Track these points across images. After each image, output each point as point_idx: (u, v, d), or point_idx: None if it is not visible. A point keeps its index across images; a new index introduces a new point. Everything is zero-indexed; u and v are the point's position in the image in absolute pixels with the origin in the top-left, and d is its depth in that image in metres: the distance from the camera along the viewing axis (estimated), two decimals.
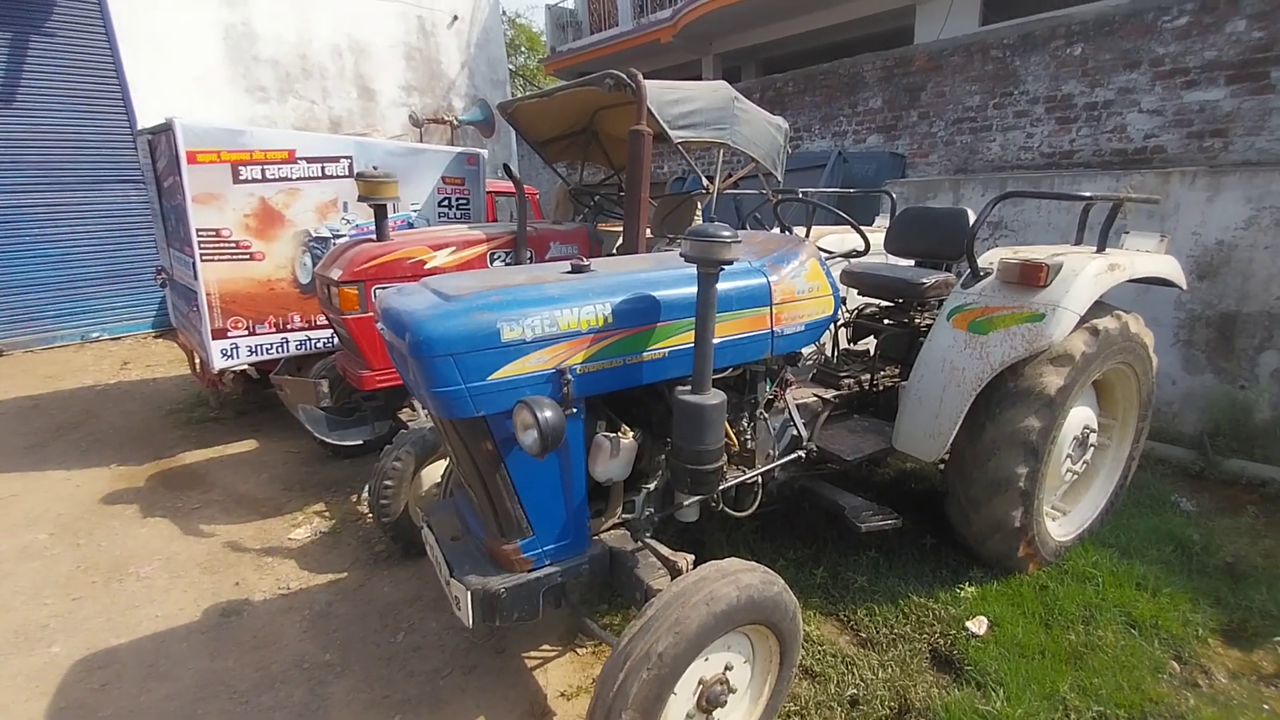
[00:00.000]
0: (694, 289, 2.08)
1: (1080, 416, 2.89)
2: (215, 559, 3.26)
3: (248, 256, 3.95)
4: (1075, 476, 3.07)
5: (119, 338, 7.79)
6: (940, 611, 2.67)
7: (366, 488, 3.20)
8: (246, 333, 4.03)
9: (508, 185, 7.10)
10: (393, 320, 1.87)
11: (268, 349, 4.11)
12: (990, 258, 2.78)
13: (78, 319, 7.52)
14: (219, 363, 3.96)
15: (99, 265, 7.52)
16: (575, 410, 1.95)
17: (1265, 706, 2.26)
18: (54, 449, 4.62)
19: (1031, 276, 2.50)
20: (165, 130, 3.82)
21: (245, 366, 4.13)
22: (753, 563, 1.95)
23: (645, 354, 2.06)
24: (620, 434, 2.10)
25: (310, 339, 4.25)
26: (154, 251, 4.82)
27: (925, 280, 3.05)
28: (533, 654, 2.59)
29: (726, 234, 1.82)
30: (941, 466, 2.96)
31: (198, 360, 4.51)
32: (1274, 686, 2.35)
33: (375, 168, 3.37)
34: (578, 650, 2.60)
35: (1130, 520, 3.31)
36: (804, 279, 2.43)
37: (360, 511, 3.68)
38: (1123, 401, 3.15)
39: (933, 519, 3.12)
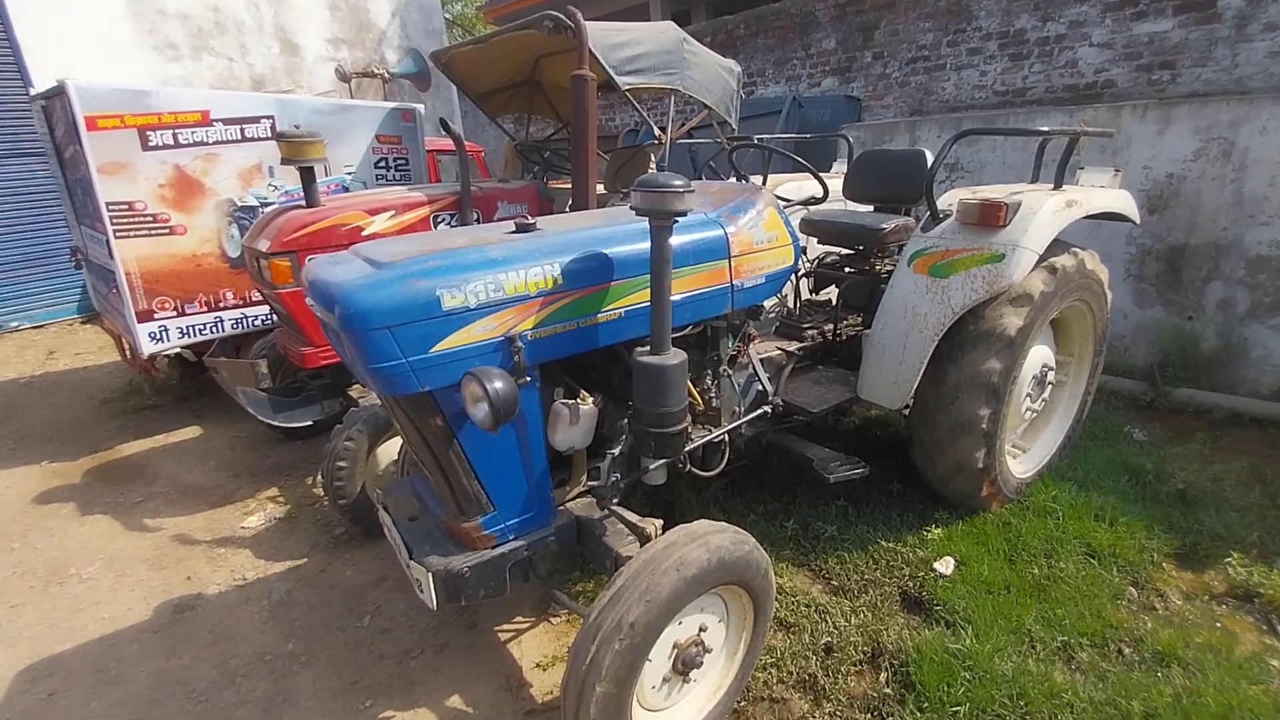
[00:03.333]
0: (647, 244, 1.97)
1: (1039, 355, 2.91)
2: (163, 554, 3.09)
3: (167, 230, 3.64)
4: (1034, 414, 3.11)
5: (41, 325, 7.27)
6: (909, 555, 2.70)
7: (321, 469, 3.06)
8: (175, 313, 3.76)
9: (449, 143, 6.77)
10: (320, 293, 1.71)
11: (200, 330, 3.85)
12: (949, 199, 2.73)
13: None
14: (148, 347, 3.69)
15: (11, 249, 6.93)
16: (529, 379, 1.84)
17: (1218, 625, 2.36)
18: None
19: (991, 216, 2.45)
20: (59, 94, 3.44)
21: (178, 349, 3.86)
22: (722, 523, 1.90)
23: (600, 315, 1.95)
24: (579, 400, 2.01)
25: (247, 316, 3.99)
26: (69, 231, 4.42)
27: (885, 226, 2.99)
28: (505, 627, 2.54)
29: (678, 183, 1.70)
30: (906, 412, 2.96)
31: (126, 346, 4.21)
32: (1224, 604, 2.46)
33: (298, 126, 3.10)
34: (551, 620, 2.56)
35: (1087, 454, 3.40)
36: (762, 229, 2.33)
37: (316, 494, 3.53)
38: (1078, 338, 3.19)
39: (899, 465, 3.14)
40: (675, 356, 1.87)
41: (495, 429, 1.62)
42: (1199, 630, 2.32)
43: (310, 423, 3.59)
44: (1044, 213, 2.45)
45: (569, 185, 4.77)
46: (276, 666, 2.40)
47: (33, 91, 4.01)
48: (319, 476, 3.56)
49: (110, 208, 3.45)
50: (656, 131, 3.88)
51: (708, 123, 4.43)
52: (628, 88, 3.58)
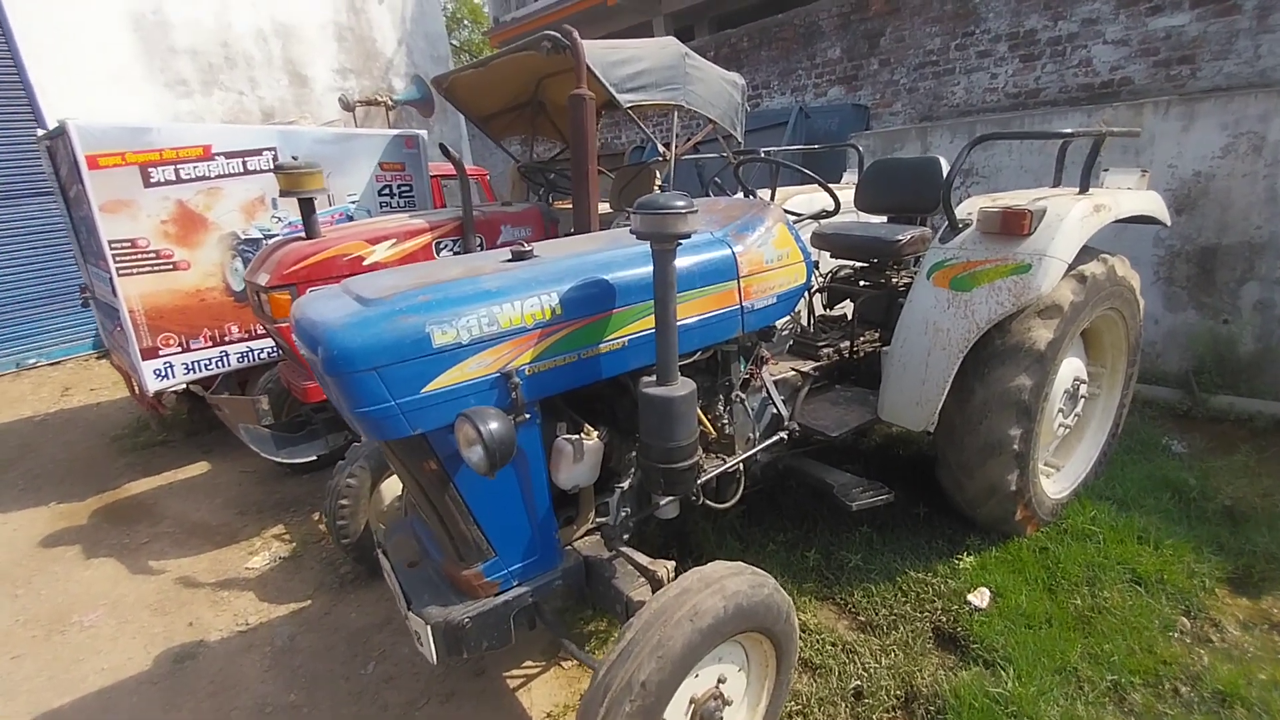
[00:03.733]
0: (650, 268, 1.87)
1: (1070, 368, 2.75)
2: (166, 598, 3.02)
3: (171, 266, 3.61)
4: (1067, 430, 2.95)
5: (58, 362, 7.33)
6: (940, 586, 2.54)
7: (323, 508, 2.98)
8: (180, 349, 3.72)
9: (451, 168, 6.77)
10: (305, 334, 1.62)
11: (206, 365, 3.81)
12: (968, 207, 2.60)
13: (10, 345, 7.03)
14: (153, 384, 3.65)
15: (27, 286, 7.01)
16: (528, 416, 1.74)
17: None
18: None
19: (1014, 225, 2.32)
20: (60, 134, 3.44)
21: (184, 385, 3.82)
22: (738, 564, 1.77)
23: (602, 345, 1.84)
24: (583, 435, 1.90)
25: (252, 350, 3.94)
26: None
27: (900, 237, 2.86)
28: (514, 673, 2.41)
29: (680, 204, 1.60)
30: (931, 429, 2.81)
31: (134, 383, 4.18)
32: None
33: (295, 158, 3.06)
34: (562, 665, 2.43)
35: (1124, 469, 3.22)
36: (772, 246, 2.23)
37: (322, 531, 3.44)
38: (1111, 348, 3.02)
39: (924, 486, 2.99)
40: (683, 386, 1.76)
41: (491, 473, 1.52)
42: (1261, 665, 2.14)
43: (314, 458, 3.52)
44: (1071, 219, 2.32)
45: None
46: (277, 719, 2.29)
47: (40, 133, 4.02)
48: (323, 512, 3.48)
49: (113, 245, 3.43)
50: (660, 148, 3.80)
51: (713, 136, 4.35)
52: (630, 105, 3.51)
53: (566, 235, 4.06)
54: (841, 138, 6.19)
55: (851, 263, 3.36)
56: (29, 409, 5.93)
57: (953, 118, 6.27)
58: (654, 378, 1.83)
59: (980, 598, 2.45)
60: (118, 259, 3.45)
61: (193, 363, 3.77)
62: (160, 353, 3.66)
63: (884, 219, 3.41)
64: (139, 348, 3.58)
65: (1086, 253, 2.56)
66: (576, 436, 1.89)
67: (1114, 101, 5.08)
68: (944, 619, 2.40)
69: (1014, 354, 2.41)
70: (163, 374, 3.69)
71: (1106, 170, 3.00)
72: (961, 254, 2.45)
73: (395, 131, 4.40)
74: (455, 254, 3.63)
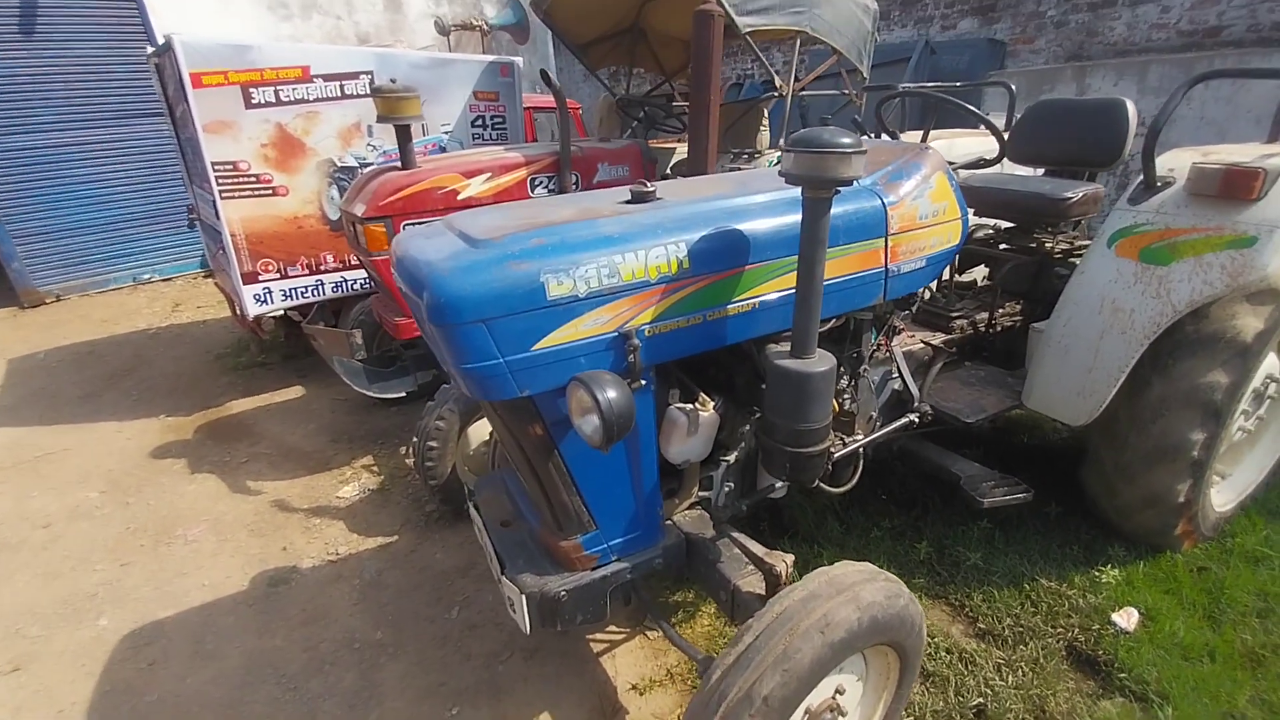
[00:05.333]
0: (790, 218, 1.62)
1: (1265, 365, 2.30)
2: (262, 520, 3.10)
3: (270, 191, 3.59)
4: (1245, 435, 2.51)
5: (170, 278, 7.74)
6: (1077, 600, 2.24)
7: (412, 445, 2.96)
8: (278, 276, 3.73)
9: (546, 100, 6.48)
10: (408, 274, 1.46)
11: (303, 293, 3.82)
12: (1168, 162, 2.14)
13: (127, 261, 7.45)
14: (253, 309, 3.70)
15: (140, 205, 7.35)
16: (644, 382, 1.54)
17: None
18: (107, 399, 4.56)
19: (1240, 187, 1.87)
20: (167, 51, 3.40)
21: (281, 311, 3.86)
22: (867, 566, 1.56)
23: (730, 307, 1.61)
24: (698, 405, 1.70)
25: (346, 280, 3.93)
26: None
27: (1070, 195, 2.43)
28: (599, 637, 2.32)
29: (846, 141, 1.32)
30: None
31: (236, 305, 4.29)
32: None
33: (394, 81, 2.90)
34: (648, 634, 2.32)
35: None
36: (928, 199, 1.90)
37: (409, 466, 3.45)
38: None
39: (1056, 481, 2.65)
40: (822, 361, 1.52)
41: (606, 447, 1.34)
42: None
43: (404, 394, 3.49)
44: None
45: (672, 144, 4.40)
46: (364, 656, 2.30)
47: (149, 50, 4.02)
48: (411, 448, 3.48)
49: (216, 167, 3.41)
50: (778, 82, 3.40)
51: (833, 70, 3.89)
52: (749, 30, 3.13)
53: (672, 177, 3.77)
54: (971, 76, 5.50)
55: (991, 221, 2.93)
56: (144, 322, 6.29)
57: (1108, 58, 5.44)
58: (784, 347, 1.60)
59: (1127, 619, 2.15)
60: (220, 181, 3.44)
61: (290, 290, 3.79)
62: (260, 278, 3.69)
63: (1038, 172, 2.94)
64: (240, 272, 3.61)
65: None
66: (691, 406, 1.69)
67: None
68: (1082, 638, 2.11)
69: (1210, 345, 2.01)
70: (262, 299, 3.72)
71: None
72: (1159, 219, 2.03)
73: (491, 58, 4.17)
74: (550, 191, 3.43)
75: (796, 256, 1.46)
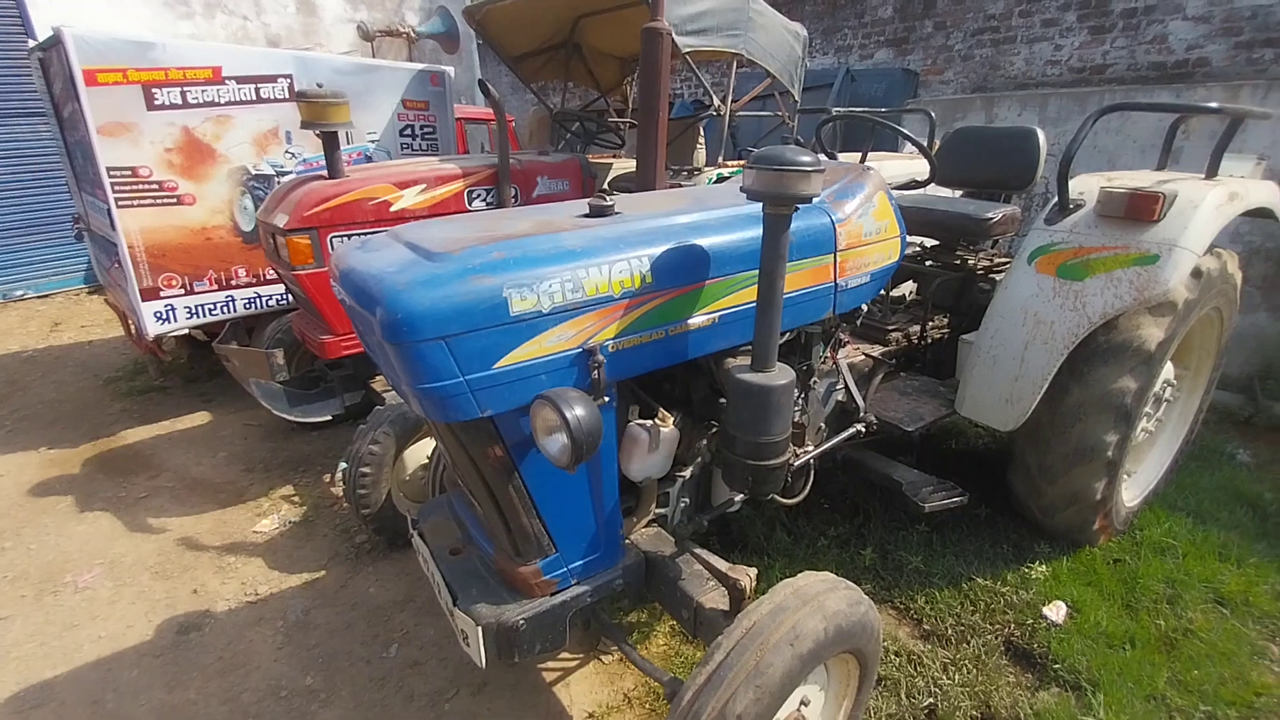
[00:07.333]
0: (748, 234, 1.64)
1: (1165, 371, 2.53)
2: (168, 560, 2.80)
3: (174, 200, 3.30)
4: (1147, 436, 2.74)
5: (47, 295, 6.98)
6: (1011, 596, 2.36)
7: (340, 467, 2.76)
8: (183, 291, 3.43)
9: (475, 111, 6.36)
10: (356, 288, 1.36)
11: (210, 310, 3.53)
12: (1079, 186, 2.33)
13: None
14: (153, 328, 3.38)
15: (15, 214, 6.60)
16: (607, 399, 1.50)
17: None
18: None
19: (1142, 209, 2.06)
20: (55, 45, 3.08)
21: (185, 330, 3.54)
22: (828, 575, 1.58)
23: (692, 321, 1.60)
24: (659, 420, 1.67)
25: (260, 296, 3.66)
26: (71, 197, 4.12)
27: (990, 215, 2.60)
28: (551, 665, 2.23)
29: (805, 160, 1.34)
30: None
31: (131, 323, 3.90)
32: None
33: (320, 85, 2.74)
34: (602, 658, 2.25)
35: (1193, 477, 3.04)
36: (872, 218, 1.97)
37: (335, 494, 3.23)
38: (1199, 350, 2.81)
39: (983, 484, 2.79)
40: (783, 374, 1.53)
41: (573, 467, 1.29)
42: None
43: (329, 417, 3.27)
44: (1205, 207, 2.06)
45: (608, 160, 4.39)
46: (293, 705, 2.11)
47: (31, 44, 3.63)
48: (338, 474, 3.26)
49: (111, 173, 3.10)
50: (716, 101, 3.48)
51: (767, 92, 4.02)
52: (688, 50, 3.18)
53: (610, 192, 3.75)
54: (889, 103, 5.84)
55: (917, 239, 3.09)
56: (16, 344, 5.63)
57: (1009, 89, 5.92)
58: (743, 361, 1.60)
59: (1056, 612, 2.28)
60: (116, 189, 3.14)
61: (196, 307, 3.49)
62: (162, 294, 3.38)
63: (957, 194, 3.13)
64: (139, 288, 3.29)
65: None
66: (652, 422, 1.66)
67: (1184, 83, 4.76)
68: (1018, 633, 2.23)
69: (1119, 353, 2.18)
70: (164, 317, 3.41)
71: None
72: (1073, 238, 2.20)
73: (421, 66, 4.04)
74: (489, 205, 3.33)
75: (755, 271, 1.47)
